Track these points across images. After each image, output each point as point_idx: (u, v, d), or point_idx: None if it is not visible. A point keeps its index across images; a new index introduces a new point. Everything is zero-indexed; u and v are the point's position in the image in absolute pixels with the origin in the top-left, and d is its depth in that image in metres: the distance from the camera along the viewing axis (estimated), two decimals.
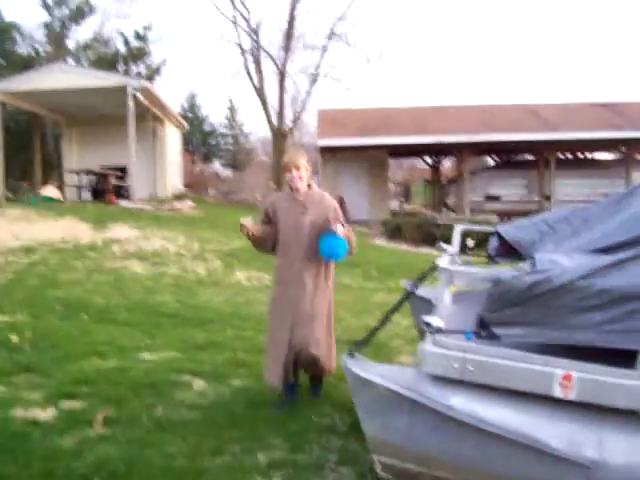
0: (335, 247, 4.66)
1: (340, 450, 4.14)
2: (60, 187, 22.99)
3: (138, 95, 19.23)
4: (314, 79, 29.54)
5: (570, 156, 29.13)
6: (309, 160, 4.91)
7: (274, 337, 4.85)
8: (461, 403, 2.71)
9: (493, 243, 4.61)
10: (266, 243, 4.95)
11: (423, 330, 2.99)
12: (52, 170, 28.52)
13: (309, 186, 4.92)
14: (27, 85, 19.04)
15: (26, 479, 3.62)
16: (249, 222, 4.77)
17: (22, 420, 4.55)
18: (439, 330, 2.85)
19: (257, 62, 28.79)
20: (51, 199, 20.08)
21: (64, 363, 5.87)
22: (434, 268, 3.83)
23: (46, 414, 4.69)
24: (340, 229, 4.64)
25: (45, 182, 24.31)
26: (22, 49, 37.16)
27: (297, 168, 4.79)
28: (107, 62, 36.67)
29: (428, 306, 4.13)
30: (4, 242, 12.54)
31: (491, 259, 4.57)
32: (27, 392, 5.12)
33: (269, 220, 4.99)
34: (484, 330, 2.86)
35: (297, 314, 4.76)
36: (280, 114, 28.55)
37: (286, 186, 5.01)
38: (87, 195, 22.27)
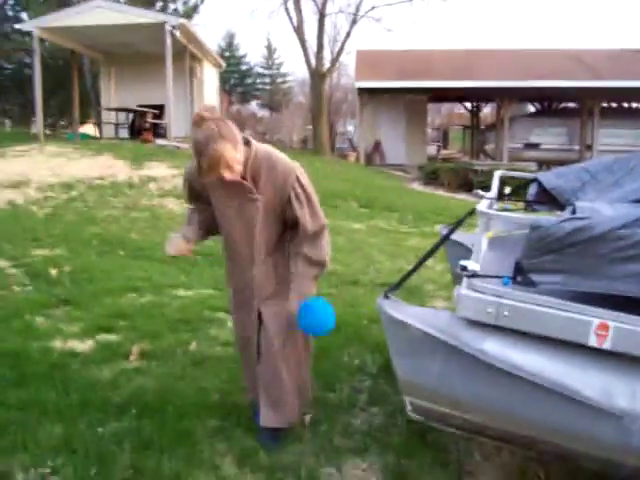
0: (321, 317, 3.22)
1: (370, 390, 4.18)
2: (97, 125, 23.10)
3: (176, 33, 19.01)
4: (354, 20, 28.94)
5: (614, 105, 28.37)
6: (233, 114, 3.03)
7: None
8: (495, 348, 2.69)
9: (532, 190, 4.52)
10: (209, 234, 3.53)
11: (458, 275, 2.96)
12: (90, 108, 28.63)
13: (247, 144, 3.10)
14: (65, 21, 18.93)
15: (65, 408, 3.72)
16: (179, 244, 3.34)
17: (61, 351, 4.67)
18: (475, 274, 2.82)
19: (296, 1, 28.25)
20: (88, 136, 20.22)
21: (101, 297, 5.99)
22: (472, 213, 3.78)
23: (84, 346, 4.81)
24: (308, 291, 3.27)
25: (83, 120, 24.45)
26: None
27: (229, 168, 2.95)
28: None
29: (464, 251, 4.09)
30: (43, 178, 12.69)
31: (529, 206, 4.50)
32: (66, 324, 5.24)
33: (198, 196, 3.39)
34: (521, 276, 2.83)
35: (253, 354, 3.51)
36: (318, 55, 28.10)
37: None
38: (124, 133, 22.35)
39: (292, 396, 3.45)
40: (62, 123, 29.33)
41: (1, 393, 3.88)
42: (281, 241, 3.37)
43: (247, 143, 3.08)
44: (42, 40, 20.22)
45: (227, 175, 2.93)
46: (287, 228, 3.35)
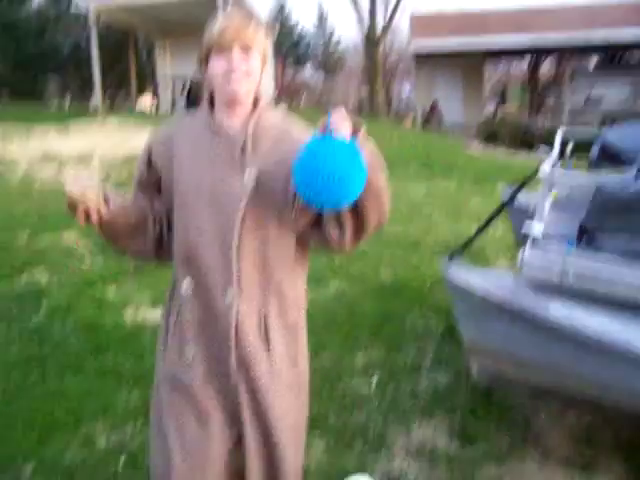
0: (335, 166, 1.62)
1: (435, 352, 4.23)
2: (155, 97, 23.42)
3: (229, 6, 19.09)
4: None
5: None
6: (269, 36, 2.04)
7: None
8: (560, 310, 2.70)
9: (596, 149, 4.45)
10: (134, 236, 2.02)
11: (522, 236, 2.97)
12: (146, 81, 28.98)
13: (255, 102, 1.97)
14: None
15: (140, 375, 3.87)
16: (89, 186, 1.82)
17: (133, 320, 4.85)
18: (539, 236, 2.83)
19: None
20: (144, 113, 20.52)
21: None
22: (536, 173, 3.75)
23: (155, 314, 4.97)
24: (344, 126, 1.67)
25: (140, 93, 24.78)
26: None
27: (245, 48, 1.86)
28: None
29: (527, 213, 4.07)
30: (106, 152, 12.97)
31: (593, 165, 4.43)
32: (136, 293, 5.41)
33: (151, 181, 2.06)
34: (585, 237, 2.82)
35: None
36: (371, 19, 27.66)
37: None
38: (181, 105, 22.58)
39: None
40: (119, 97, 29.78)
41: (80, 362, 4.08)
42: (285, 266, 1.96)
43: (255, 101, 1.96)
44: (98, 17, 20.52)
45: (235, 61, 1.82)
46: (296, 245, 1.97)
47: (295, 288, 2.00)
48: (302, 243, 1.97)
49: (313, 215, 1.83)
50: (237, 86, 1.85)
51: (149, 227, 2.00)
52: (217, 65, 1.86)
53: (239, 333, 1.86)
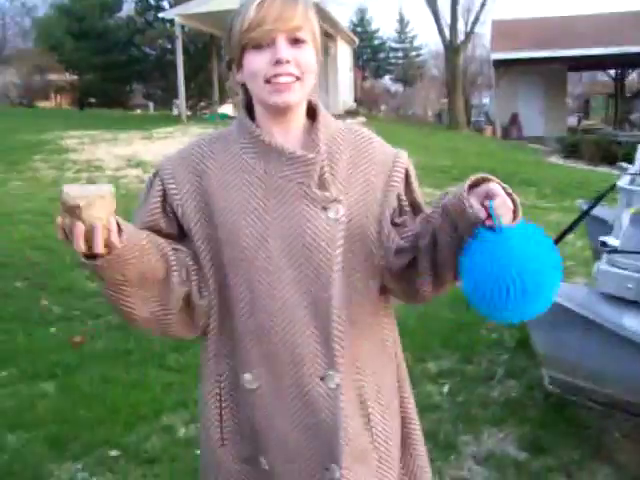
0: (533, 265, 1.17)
1: (508, 364, 4.24)
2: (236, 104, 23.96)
3: None
4: None
5: None
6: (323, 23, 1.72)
7: None
8: (634, 323, 2.71)
9: None
10: (152, 292, 1.31)
11: (598, 250, 2.98)
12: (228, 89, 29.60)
13: (311, 108, 1.43)
14: (204, 7, 19.60)
15: None
16: (99, 197, 1.12)
17: None
18: (616, 250, 2.83)
19: None
20: (227, 116, 20.96)
21: None
22: (613, 188, 3.73)
23: None
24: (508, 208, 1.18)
25: (222, 100, 25.35)
26: None
27: (294, 38, 1.31)
28: None
29: (605, 227, 4.05)
30: None
31: None
32: None
33: (168, 232, 1.40)
34: None
35: None
36: (452, 26, 27.58)
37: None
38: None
39: None
40: (202, 104, 30.51)
41: (163, 358, 4.27)
42: (372, 324, 1.49)
43: (311, 107, 1.44)
44: (182, 26, 21.13)
45: (283, 50, 1.29)
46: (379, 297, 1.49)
47: (384, 341, 1.51)
48: (385, 294, 1.50)
49: (408, 259, 1.38)
50: (289, 87, 1.32)
51: (173, 282, 1.33)
52: (256, 60, 1.31)
53: (345, 424, 1.35)
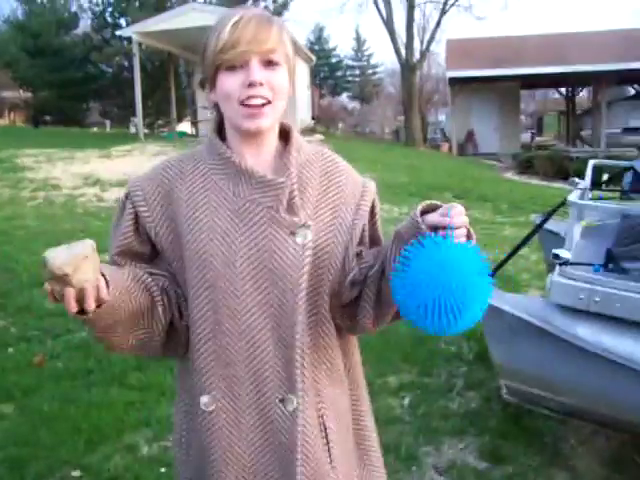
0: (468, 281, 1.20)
1: (466, 376, 4.32)
2: (194, 123, 23.89)
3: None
4: (443, 9, 28.76)
5: None
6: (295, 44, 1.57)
7: None
8: (587, 333, 2.79)
9: (628, 178, 4.54)
10: (139, 326, 1.37)
11: (552, 263, 3.07)
12: (186, 107, 29.55)
13: (284, 130, 1.47)
14: (162, 25, 19.49)
15: None
16: (83, 258, 1.16)
17: None
18: (567, 262, 2.93)
19: None
20: (185, 134, 20.94)
21: None
22: (564, 202, 3.85)
23: None
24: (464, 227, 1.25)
25: (180, 119, 25.31)
26: None
27: (268, 52, 1.31)
28: None
29: (557, 240, 4.17)
30: None
31: (625, 195, 4.51)
32: None
33: (143, 253, 1.45)
34: (612, 264, 2.91)
35: None
36: (408, 46, 28.02)
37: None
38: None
39: None
40: (159, 122, 30.39)
41: (125, 377, 4.24)
42: (334, 348, 1.49)
43: (283, 130, 1.47)
44: (140, 44, 21.03)
45: (255, 72, 1.30)
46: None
47: (347, 364, 1.53)
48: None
49: (359, 291, 1.41)
50: (260, 109, 1.32)
51: (158, 312, 1.37)
52: (229, 82, 1.32)
53: (302, 446, 1.36)
